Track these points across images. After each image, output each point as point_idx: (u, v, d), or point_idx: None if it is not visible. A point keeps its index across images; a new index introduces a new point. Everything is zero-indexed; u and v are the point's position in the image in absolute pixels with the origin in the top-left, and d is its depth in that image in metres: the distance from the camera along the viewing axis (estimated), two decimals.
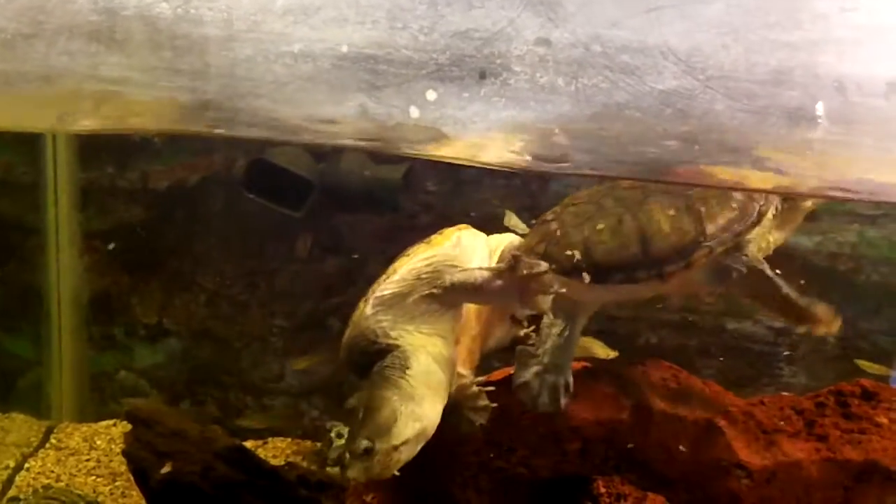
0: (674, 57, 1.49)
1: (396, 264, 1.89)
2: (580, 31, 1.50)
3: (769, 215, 2.03)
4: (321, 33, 1.55)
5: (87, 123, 1.63)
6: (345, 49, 1.55)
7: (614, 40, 1.49)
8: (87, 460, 3.24)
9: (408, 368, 1.77)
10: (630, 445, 2.01)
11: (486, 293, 1.81)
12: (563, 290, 1.75)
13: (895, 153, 1.54)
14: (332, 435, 3.17)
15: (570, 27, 1.50)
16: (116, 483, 3.07)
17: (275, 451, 3.31)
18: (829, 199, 2.10)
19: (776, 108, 1.50)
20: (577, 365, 2.11)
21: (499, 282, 1.77)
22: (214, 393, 3.51)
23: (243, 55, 1.57)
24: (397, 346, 1.81)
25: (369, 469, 1.67)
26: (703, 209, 1.93)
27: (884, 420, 2.12)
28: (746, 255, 2.00)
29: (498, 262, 1.92)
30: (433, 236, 1.93)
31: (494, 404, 1.89)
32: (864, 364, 3.02)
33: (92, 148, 3.37)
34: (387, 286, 1.86)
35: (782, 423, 2.11)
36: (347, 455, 1.66)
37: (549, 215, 2.03)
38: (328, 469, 3.09)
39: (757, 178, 1.57)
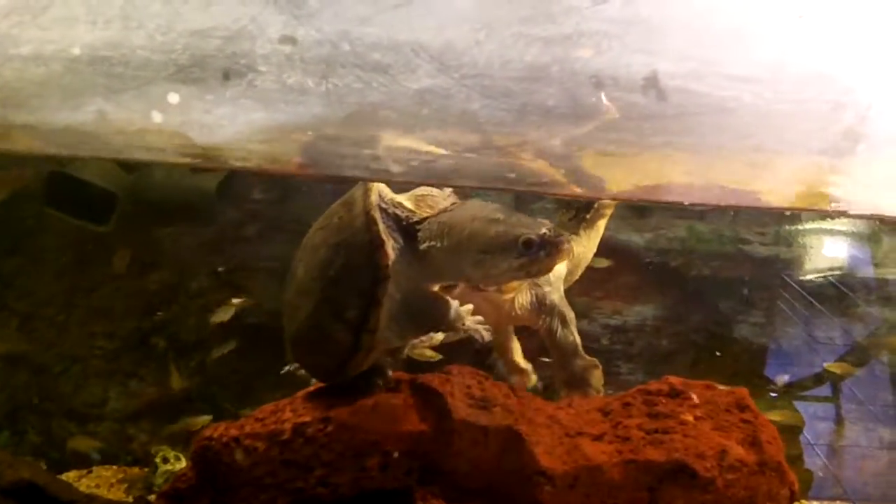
0: (426, 54, 1.42)
1: None
2: (327, 28, 1.41)
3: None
4: (51, 34, 1.43)
5: None
6: (77, 51, 1.43)
7: (363, 38, 1.42)
8: None
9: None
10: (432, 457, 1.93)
11: None
12: None
13: (656, 149, 1.51)
14: (158, 460, 3.03)
15: (316, 24, 1.41)
16: None
17: (98, 481, 3.12)
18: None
19: (534, 107, 1.45)
20: None
21: None
22: (35, 422, 3.30)
23: None
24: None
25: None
26: None
27: (689, 418, 2.11)
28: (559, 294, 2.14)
29: None
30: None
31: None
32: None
33: None
34: None
35: (587, 425, 2.07)
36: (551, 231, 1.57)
37: None
38: (153, 497, 2.94)
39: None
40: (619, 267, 3.12)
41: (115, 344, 3.24)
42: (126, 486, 3.06)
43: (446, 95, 1.43)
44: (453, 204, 1.76)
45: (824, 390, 3.37)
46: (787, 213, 2.74)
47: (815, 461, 3.22)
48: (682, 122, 1.47)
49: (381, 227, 1.66)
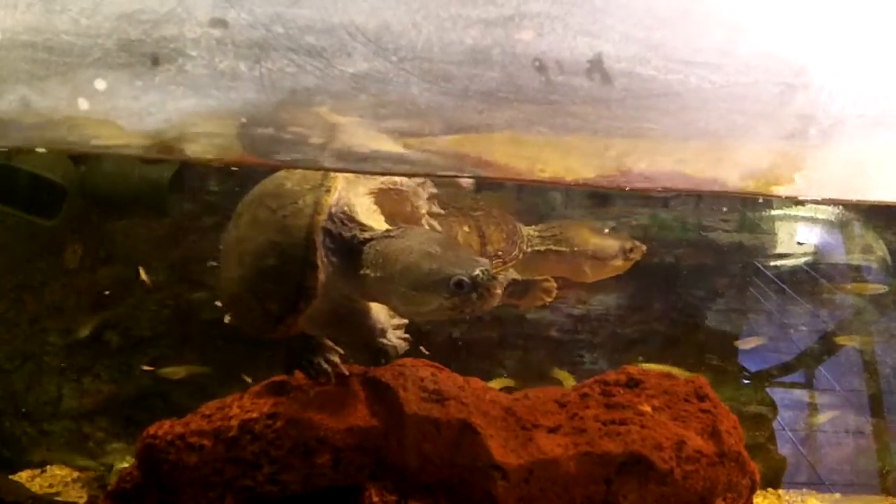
0: (362, 37, 1.37)
1: None
2: (258, 11, 1.36)
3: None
4: None
5: None
6: None
7: (296, 20, 1.37)
8: None
9: None
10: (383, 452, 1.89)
11: None
12: None
13: (600, 134, 1.47)
14: (126, 466, 2.96)
15: (247, 6, 1.36)
16: None
17: (52, 480, 3.06)
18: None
19: (476, 91, 1.41)
20: None
21: None
22: None
23: None
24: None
25: None
26: (486, 232, 2.17)
27: (646, 408, 2.08)
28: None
29: None
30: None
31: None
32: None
33: None
34: None
35: (543, 417, 2.04)
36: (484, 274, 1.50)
37: None
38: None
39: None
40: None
41: (69, 340, 3.17)
42: (80, 485, 3.00)
43: (384, 80, 1.39)
44: (399, 228, 1.72)
45: (794, 377, 3.37)
46: (744, 198, 2.72)
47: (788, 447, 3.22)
48: (628, 107, 1.43)
49: (320, 252, 1.66)
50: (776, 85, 1.47)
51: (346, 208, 1.71)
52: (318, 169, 1.62)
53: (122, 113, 1.40)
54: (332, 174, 1.66)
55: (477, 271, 1.54)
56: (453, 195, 2.02)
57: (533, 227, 2.32)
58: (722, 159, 1.50)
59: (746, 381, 3.34)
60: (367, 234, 1.69)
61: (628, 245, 2.32)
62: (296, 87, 1.38)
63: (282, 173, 1.77)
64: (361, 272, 1.66)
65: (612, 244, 2.30)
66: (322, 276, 1.65)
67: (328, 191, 1.67)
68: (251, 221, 1.74)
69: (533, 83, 1.40)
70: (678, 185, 1.47)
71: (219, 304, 1.89)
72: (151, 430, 1.94)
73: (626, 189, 1.45)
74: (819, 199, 1.64)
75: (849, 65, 1.51)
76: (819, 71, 1.48)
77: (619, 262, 2.35)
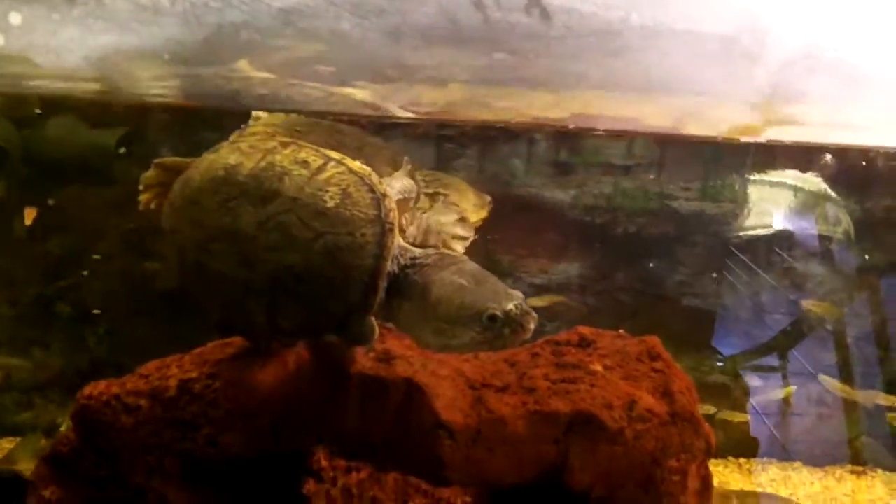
0: None
1: None
2: None
3: None
4: None
5: None
6: None
7: None
8: None
9: None
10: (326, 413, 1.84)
11: None
12: None
13: (541, 72, 1.42)
14: (63, 430, 2.91)
15: None
16: None
17: (1, 454, 3.00)
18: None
19: (409, 27, 1.35)
20: None
21: None
22: None
23: None
24: None
25: None
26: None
27: (598, 367, 2.03)
28: None
29: None
30: None
31: None
32: None
33: None
34: None
35: (492, 377, 1.99)
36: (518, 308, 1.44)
37: None
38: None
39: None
40: (544, 224, 3.05)
41: (18, 311, 3.10)
42: (29, 457, 2.93)
43: (313, 15, 1.33)
44: (433, 253, 1.60)
45: (760, 349, 3.36)
46: (706, 166, 2.69)
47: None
48: (568, 45, 1.38)
49: (379, 296, 1.48)
50: (722, 25, 1.43)
51: (400, 240, 1.57)
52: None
53: (39, 50, 1.33)
54: (386, 201, 1.46)
55: (510, 305, 1.46)
56: (358, 133, 1.88)
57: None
58: (664, 102, 1.46)
59: (720, 364, 3.33)
60: (406, 260, 1.55)
61: (488, 198, 2.36)
62: (221, 21, 1.32)
63: (294, 168, 1.46)
64: (394, 301, 1.56)
65: (484, 196, 2.31)
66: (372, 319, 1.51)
67: (392, 229, 1.48)
68: (267, 226, 1.48)
69: (470, 20, 1.35)
70: (620, 128, 1.43)
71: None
72: (86, 390, 1.87)
73: (570, 128, 1.40)
74: (765, 142, 1.60)
75: (797, 9, 1.47)
76: (765, 11, 1.44)
77: (485, 213, 2.33)
